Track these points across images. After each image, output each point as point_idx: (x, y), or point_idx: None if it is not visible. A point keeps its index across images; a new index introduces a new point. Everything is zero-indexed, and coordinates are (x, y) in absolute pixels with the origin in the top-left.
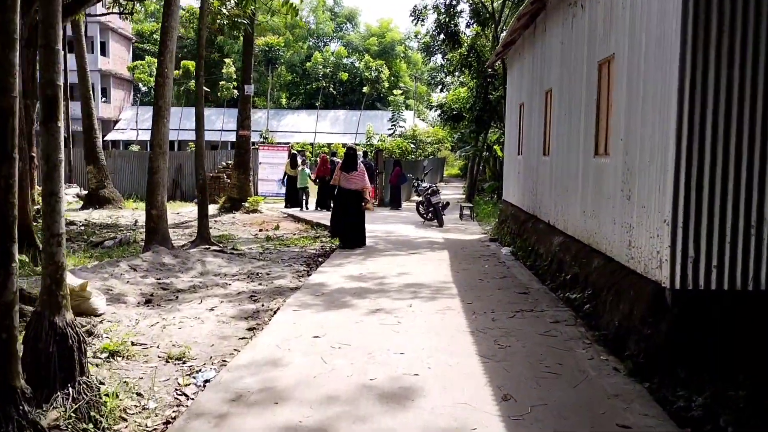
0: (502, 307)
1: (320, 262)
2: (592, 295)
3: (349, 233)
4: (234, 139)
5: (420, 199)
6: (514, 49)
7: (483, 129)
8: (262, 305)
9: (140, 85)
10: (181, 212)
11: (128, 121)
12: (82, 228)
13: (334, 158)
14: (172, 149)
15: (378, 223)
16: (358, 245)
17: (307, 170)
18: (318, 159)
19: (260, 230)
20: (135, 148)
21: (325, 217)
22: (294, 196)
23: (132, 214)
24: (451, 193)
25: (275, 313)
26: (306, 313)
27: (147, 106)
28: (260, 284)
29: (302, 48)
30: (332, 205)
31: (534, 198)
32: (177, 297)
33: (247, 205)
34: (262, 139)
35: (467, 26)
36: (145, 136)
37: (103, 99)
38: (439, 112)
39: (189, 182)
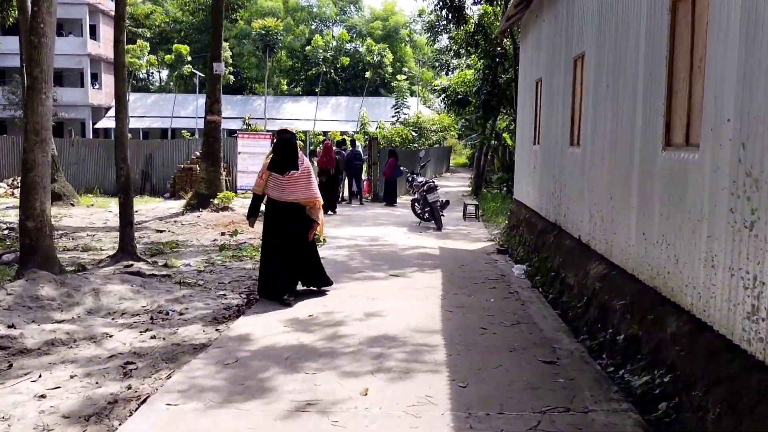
0: (517, 398)
1: None
2: (674, 384)
3: (285, 278)
4: (224, 129)
5: (415, 196)
6: (529, 11)
7: (491, 115)
8: (130, 387)
9: (137, 72)
10: (157, 208)
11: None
12: (5, 232)
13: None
14: (164, 137)
15: (365, 225)
16: (316, 287)
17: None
18: (319, 148)
19: (222, 234)
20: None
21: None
22: None
23: (86, 213)
24: (457, 185)
25: (140, 405)
26: (186, 414)
27: (141, 93)
28: (156, 335)
29: (304, 33)
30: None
31: (556, 202)
32: (10, 365)
33: (216, 201)
34: (244, 126)
35: (474, 3)
36: (137, 123)
37: (96, 86)
38: (442, 96)
39: (161, 174)
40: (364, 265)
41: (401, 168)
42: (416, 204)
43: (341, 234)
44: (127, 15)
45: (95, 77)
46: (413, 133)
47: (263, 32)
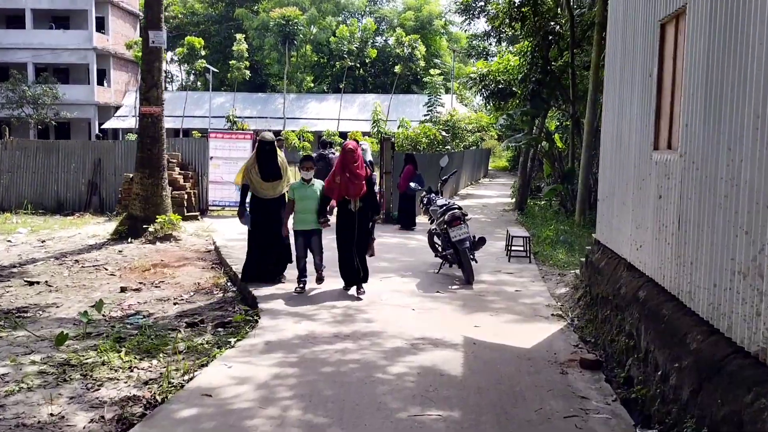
0: None
1: None
2: None
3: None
4: (255, 129)
5: (433, 226)
6: None
7: (541, 110)
8: None
9: None
10: (78, 235)
11: (131, 108)
12: None
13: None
14: (176, 136)
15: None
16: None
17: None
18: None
19: (135, 288)
20: (132, 137)
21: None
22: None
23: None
24: (496, 193)
25: None
26: None
27: None
28: None
29: (330, 25)
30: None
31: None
32: None
33: (153, 228)
34: (229, 124)
35: None
36: None
37: (105, 83)
38: (480, 86)
39: (112, 185)
40: (307, 410)
41: (413, 185)
42: (436, 238)
43: (299, 304)
44: (140, 7)
45: (102, 74)
46: (443, 134)
47: (282, 22)
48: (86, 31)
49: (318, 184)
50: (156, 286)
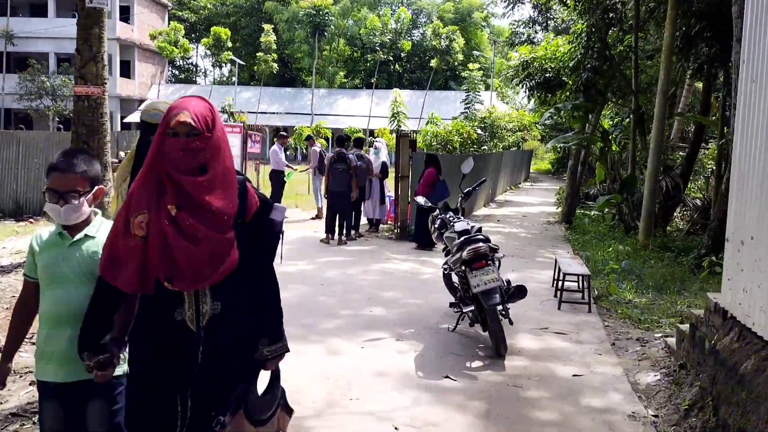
0: None
1: None
2: None
3: None
4: (279, 124)
5: (450, 260)
6: None
7: (595, 103)
8: None
9: (176, 59)
10: None
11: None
12: None
13: (378, 144)
14: None
15: (328, 323)
16: None
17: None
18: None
19: None
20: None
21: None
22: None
23: None
24: (539, 200)
25: None
26: None
27: (180, 84)
28: None
29: (365, 17)
30: None
31: None
32: None
33: None
34: (226, 116)
35: None
36: None
37: (130, 76)
38: (522, 76)
39: (28, 181)
40: None
41: (421, 200)
42: (453, 277)
43: None
44: None
45: (126, 65)
46: (480, 132)
47: (312, 12)
48: (109, 21)
49: (103, 232)
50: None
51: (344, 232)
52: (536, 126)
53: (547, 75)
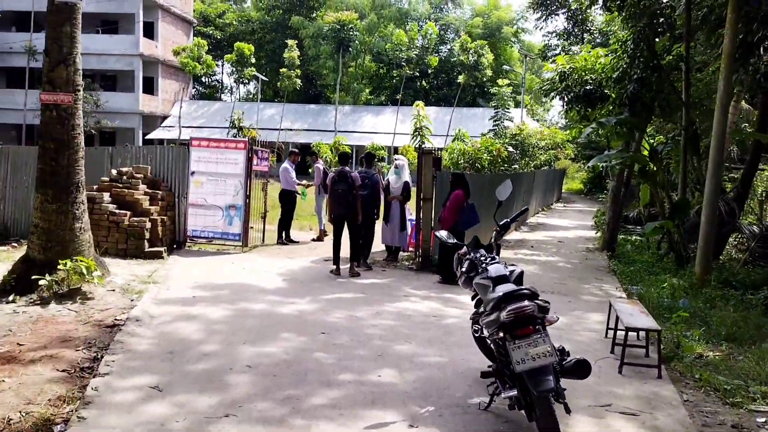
0: None
1: None
2: None
3: None
4: (302, 142)
5: (476, 325)
6: None
7: (642, 118)
8: None
9: (200, 75)
10: None
11: (181, 118)
12: None
13: (399, 162)
14: None
15: (359, 369)
16: None
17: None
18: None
19: None
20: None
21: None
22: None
23: None
24: (574, 223)
25: None
26: None
27: (202, 101)
28: None
29: (391, 33)
30: None
31: None
32: None
33: (47, 282)
34: (235, 130)
35: None
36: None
37: (154, 92)
38: (558, 88)
39: (16, 201)
40: None
41: (442, 234)
42: (489, 344)
43: None
44: (196, 14)
45: (149, 82)
46: (510, 149)
47: (337, 27)
48: (133, 36)
49: None
50: None
51: (356, 261)
52: (569, 144)
53: (587, 87)
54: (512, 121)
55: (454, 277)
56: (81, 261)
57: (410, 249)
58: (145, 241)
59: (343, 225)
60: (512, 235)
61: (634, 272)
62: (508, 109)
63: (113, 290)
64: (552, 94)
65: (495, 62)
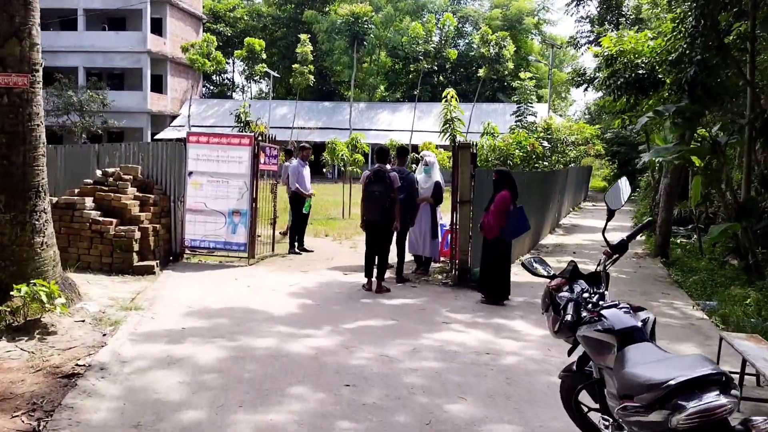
0: None
1: None
2: None
3: None
4: (307, 141)
5: (604, 419)
6: None
7: (703, 106)
8: None
9: (211, 73)
10: None
11: (190, 117)
12: None
13: (429, 159)
14: None
15: None
16: None
17: None
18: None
19: None
20: None
21: None
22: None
23: None
24: (611, 225)
25: None
26: None
27: (213, 99)
28: None
29: (407, 27)
30: None
31: None
32: None
33: (6, 306)
34: (241, 125)
35: None
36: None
37: (160, 90)
38: (605, 74)
39: None
40: None
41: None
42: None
43: None
44: (206, 10)
45: (158, 80)
46: (545, 144)
47: (351, 20)
48: (140, 33)
49: None
50: None
51: (383, 277)
52: (595, 141)
53: (639, 72)
54: (535, 116)
55: (500, 296)
56: (41, 285)
57: (441, 259)
58: (134, 253)
59: (377, 234)
60: (547, 239)
61: (699, 283)
62: (531, 103)
63: (83, 321)
64: (597, 81)
65: (515, 55)
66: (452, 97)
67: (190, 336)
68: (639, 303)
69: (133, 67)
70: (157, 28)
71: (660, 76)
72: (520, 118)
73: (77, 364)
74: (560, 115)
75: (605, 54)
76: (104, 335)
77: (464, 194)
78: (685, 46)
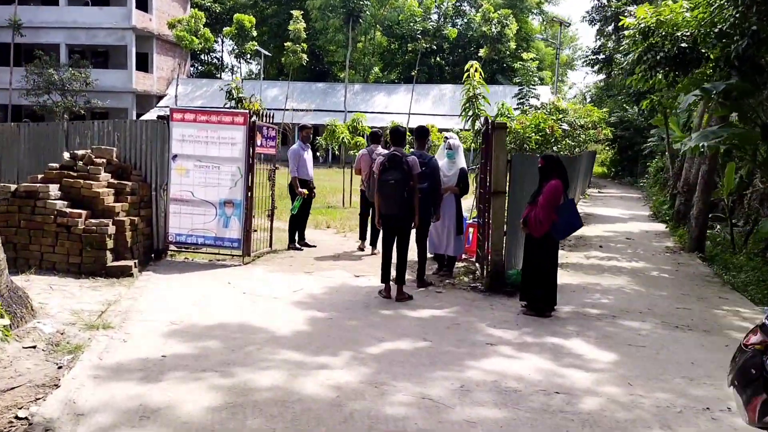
0: None
1: None
2: None
3: None
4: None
5: None
6: None
7: (755, 84)
8: None
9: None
10: None
11: (177, 97)
12: None
13: (453, 142)
14: None
15: None
16: None
17: None
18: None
19: None
20: None
21: None
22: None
23: None
24: (626, 213)
25: None
26: None
27: (202, 79)
28: None
29: (404, 4)
30: None
31: None
32: None
33: None
34: (233, 102)
35: None
36: None
37: (146, 69)
38: (640, 48)
39: None
40: None
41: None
42: None
43: None
44: None
45: (143, 58)
46: (565, 127)
47: None
48: (125, 9)
49: None
50: None
51: (403, 282)
52: (603, 125)
53: (681, 45)
54: (538, 99)
55: (546, 306)
56: None
57: (466, 256)
58: (108, 251)
59: (395, 230)
60: None
61: (753, 284)
62: (534, 85)
63: (34, 347)
64: (631, 56)
65: (516, 36)
66: (476, 70)
67: (172, 369)
68: (702, 314)
69: (117, 44)
70: (143, 3)
71: (703, 50)
72: (522, 101)
73: (16, 417)
74: (562, 98)
75: (641, 26)
76: (59, 368)
77: (499, 184)
78: (737, 15)
